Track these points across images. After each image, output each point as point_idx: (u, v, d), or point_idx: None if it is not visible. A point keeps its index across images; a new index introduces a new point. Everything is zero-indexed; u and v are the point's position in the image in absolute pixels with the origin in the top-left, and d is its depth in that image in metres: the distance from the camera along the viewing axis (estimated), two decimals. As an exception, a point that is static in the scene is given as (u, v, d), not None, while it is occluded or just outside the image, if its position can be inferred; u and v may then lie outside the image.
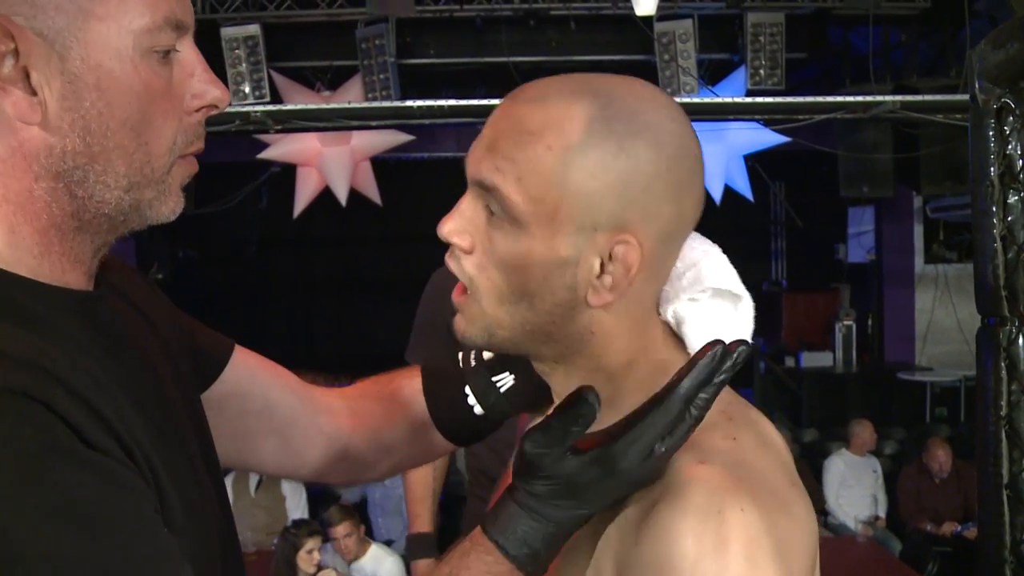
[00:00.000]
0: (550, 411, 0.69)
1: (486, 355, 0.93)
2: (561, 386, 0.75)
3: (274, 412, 0.97)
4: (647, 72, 5.05)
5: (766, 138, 5.54)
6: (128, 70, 0.68)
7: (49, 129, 0.68)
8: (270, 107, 4.79)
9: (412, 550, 2.44)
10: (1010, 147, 1.58)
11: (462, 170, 0.73)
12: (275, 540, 4.12)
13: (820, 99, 4.74)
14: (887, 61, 5.38)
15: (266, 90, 4.98)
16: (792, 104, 4.72)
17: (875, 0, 4.83)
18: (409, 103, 4.64)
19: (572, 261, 0.69)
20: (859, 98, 4.61)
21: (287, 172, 6.14)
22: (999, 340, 1.62)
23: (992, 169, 1.61)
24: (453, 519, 3.89)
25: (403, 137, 5.64)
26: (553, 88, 0.70)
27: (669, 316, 0.75)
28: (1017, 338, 1.59)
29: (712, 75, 5.36)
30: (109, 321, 0.75)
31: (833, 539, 5.03)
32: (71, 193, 0.69)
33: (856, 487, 5.41)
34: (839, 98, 4.72)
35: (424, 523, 2.49)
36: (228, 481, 4.63)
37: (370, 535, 4.52)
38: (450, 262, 0.73)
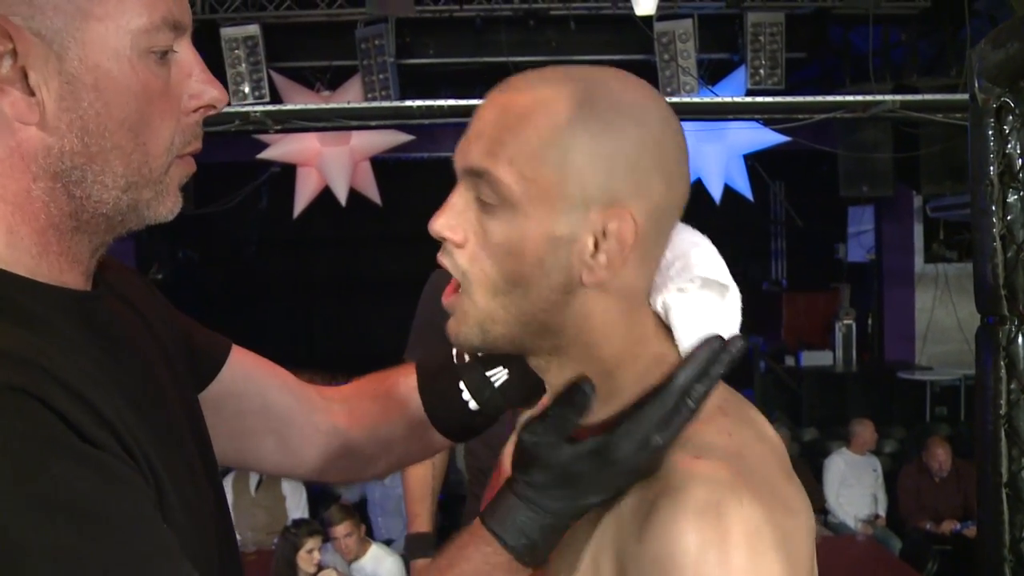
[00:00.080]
0: (546, 402, 0.69)
1: None
2: (557, 381, 0.75)
3: (271, 411, 0.98)
4: (647, 72, 5.05)
5: (766, 138, 5.54)
6: (126, 70, 0.69)
7: (47, 129, 0.68)
8: (270, 107, 4.79)
9: (411, 549, 2.44)
10: (1009, 146, 1.58)
11: None
12: (275, 540, 4.12)
13: (820, 99, 4.74)
14: (887, 60, 5.38)
15: (266, 90, 4.98)
16: (792, 104, 4.72)
17: (875, 0, 4.84)
18: (408, 103, 4.64)
19: (566, 240, 0.69)
20: (859, 97, 4.61)
21: (287, 172, 6.14)
22: (998, 339, 1.62)
23: (991, 168, 1.61)
24: (453, 518, 3.89)
25: (403, 137, 5.64)
26: (537, 77, 0.72)
27: (659, 306, 0.75)
28: (1016, 337, 1.59)
29: (712, 75, 5.36)
30: (106, 321, 0.75)
31: (833, 538, 5.03)
32: (69, 193, 0.70)
33: (856, 486, 5.42)
34: (839, 97, 4.72)
35: (423, 523, 2.49)
36: (228, 480, 4.65)
37: (370, 535, 4.52)
38: (442, 259, 0.73)
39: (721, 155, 5.71)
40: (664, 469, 0.67)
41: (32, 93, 0.67)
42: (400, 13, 4.79)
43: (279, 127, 4.83)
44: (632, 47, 5.19)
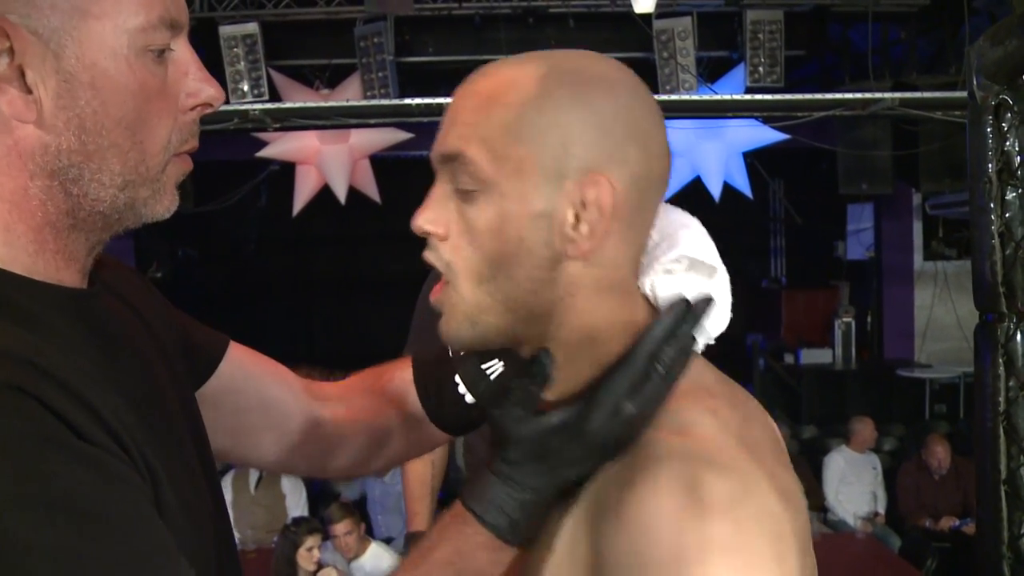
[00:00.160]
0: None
1: None
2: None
3: (269, 407, 0.98)
4: (646, 69, 5.04)
5: (765, 135, 5.54)
6: (123, 69, 0.69)
7: (44, 127, 0.68)
8: (268, 105, 4.79)
9: (411, 548, 2.44)
10: (1008, 144, 1.58)
11: None
12: (275, 538, 4.12)
13: (819, 96, 4.73)
14: (886, 58, 5.38)
15: (265, 88, 4.98)
16: (791, 101, 4.72)
17: (874, -3, 4.84)
18: (408, 101, 4.64)
19: (546, 215, 0.68)
20: (858, 95, 4.61)
21: (286, 170, 6.14)
22: (997, 336, 1.62)
23: (990, 166, 1.61)
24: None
25: (402, 135, 5.64)
26: (504, 62, 0.72)
27: (646, 288, 0.73)
28: (1015, 334, 1.59)
29: (711, 72, 5.36)
30: (103, 319, 0.75)
31: (833, 535, 5.04)
32: (66, 191, 0.70)
33: (856, 484, 5.42)
34: (838, 95, 4.72)
35: (423, 521, 2.49)
36: (228, 479, 4.65)
37: (370, 533, 4.53)
38: (428, 255, 0.72)
39: (720, 153, 5.71)
40: (643, 445, 0.66)
41: (29, 91, 0.68)
42: (399, 11, 4.79)
43: (278, 125, 4.83)
44: (631, 45, 5.19)
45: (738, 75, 5.18)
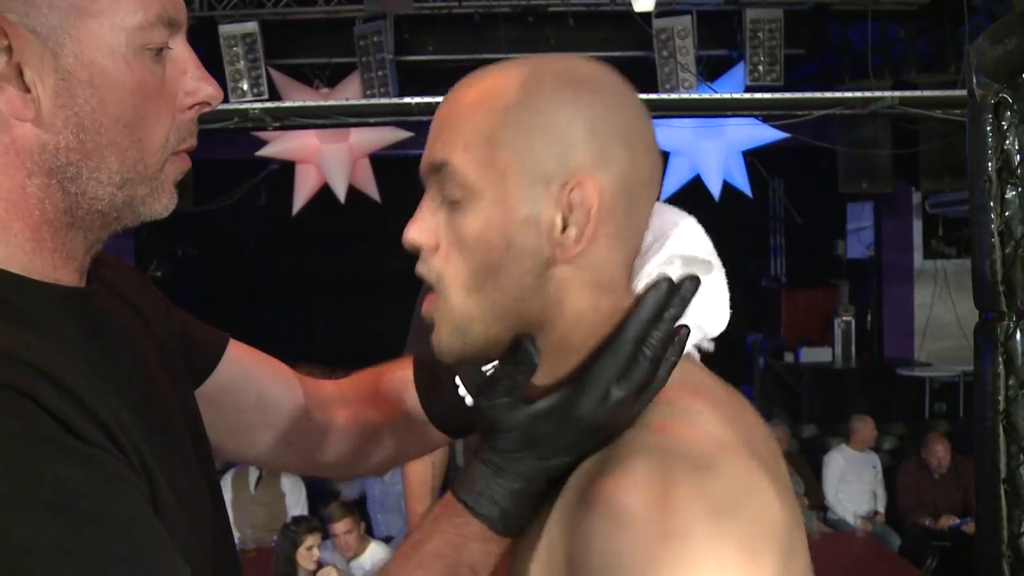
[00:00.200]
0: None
1: None
2: (542, 374, 0.71)
3: (269, 406, 0.98)
4: (646, 68, 5.05)
5: (765, 134, 5.54)
6: (121, 67, 0.69)
7: (42, 126, 0.68)
8: (268, 104, 4.79)
9: (404, 541, 2.44)
10: (1008, 142, 1.58)
11: None
12: (275, 537, 4.12)
13: (819, 95, 4.74)
14: (886, 57, 5.38)
15: (264, 87, 4.98)
16: (791, 100, 4.72)
17: (874, -4, 4.84)
18: (407, 100, 4.64)
19: (532, 219, 0.67)
20: (858, 94, 4.61)
21: (286, 169, 6.14)
22: (997, 335, 1.62)
23: (990, 164, 1.61)
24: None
25: (401, 134, 5.64)
26: (486, 70, 0.72)
27: (641, 290, 0.71)
28: (1015, 333, 1.59)
29: (711, 71, 5.36)
30: (101, 318, 0.75)
31: (832, 534, 5.04)
32: (64, 190, 0.70)
33: (856, 483, 5.42)
34: (838, 94, 4.72)
35: (424, 521, 2.49)
36: (228, 478, 4.65)
37: (370, 531, 4.53)
38: (420, 268, 0.72)
39: (720, 151, 5.71)
40: (623, 440, 0.65)
41: (28, 90, 0.68)
42: (399, 10, 4.79)
43: (278, 124, 4.83)
44: (631, 43, 5.19)
45: (738, 74, 5.18)
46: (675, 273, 0.71)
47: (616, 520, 0.59)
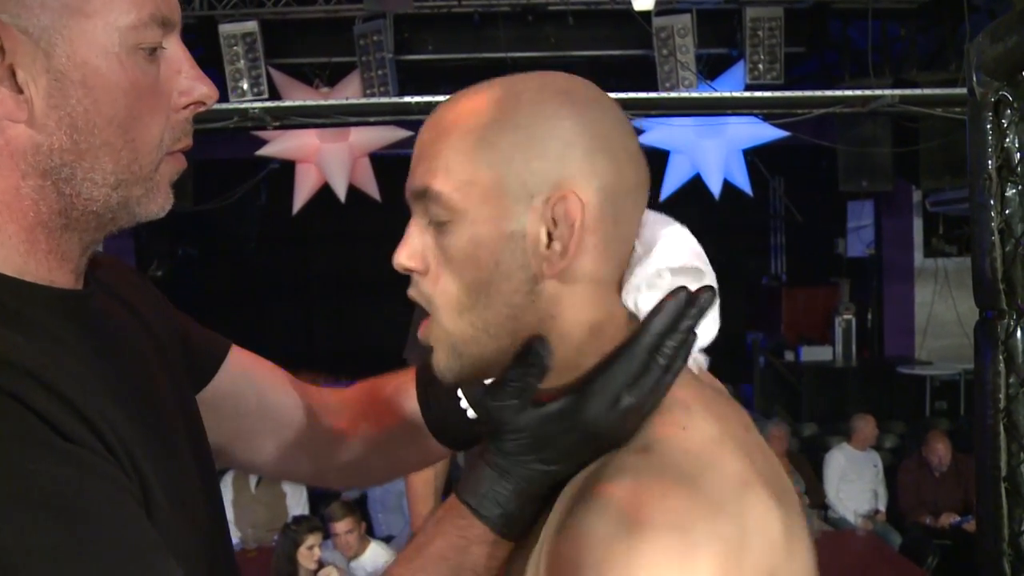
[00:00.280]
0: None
1: None
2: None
3: (269, 413, 0.97)
4: (646, 67, 5.05)
5: (765, 133, 5.53)
6: (114, 67, 0.68)
7: (36, 127, 0.68)
8: (268, 104, 4.79)
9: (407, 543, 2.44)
10: (1008, 140, 1.58)
11: None
12: (276, 536, 4.12)
13: (819, 93, 4.74)
14: (886, 55, 5.37)
15: (264, 87, 4.98)
16: (791, 98, 4.72)
17: (874, -6, 4.83)
18: (407, 99, 4.64)
19: (518, 235, 0.67)
20: (858, 92, 4.61)
21: (286, 169, 6.14)
22: (997, 333, 1.62)
23: (990, 162, 1.60)
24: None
25: (401, 133, 5.64)
26: (462, 92, 0.72)
27: (631, 306, 0.72)
28: (1015, 331, 1.59)
29: (711, 70, 5.36)
30: (97, 319, 0.75)
31: (833, 533, 5.04)
32: (58, 191, 0.69)
33: (857, 481, 5.42)
34: (838, 92, 4.72)
35: (426, 522, 2.49)
36: (229, 478, 4.65)
37: (371, 531, 4.53)
38: (411, 293, 0.72)
39: (720, 150, 5.71)
40: (608, 459, 0.65)
41: (20, 91, 0.67)
42: (398, 9, 4.79)
43: (278, 123, 4.83)
44: (630, 42, 5.19)
45: (738, 72, 5.18)
46: (664, 286, 0.71)
47: (578, 544, 0.60)
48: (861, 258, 7.67)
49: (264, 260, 8.37)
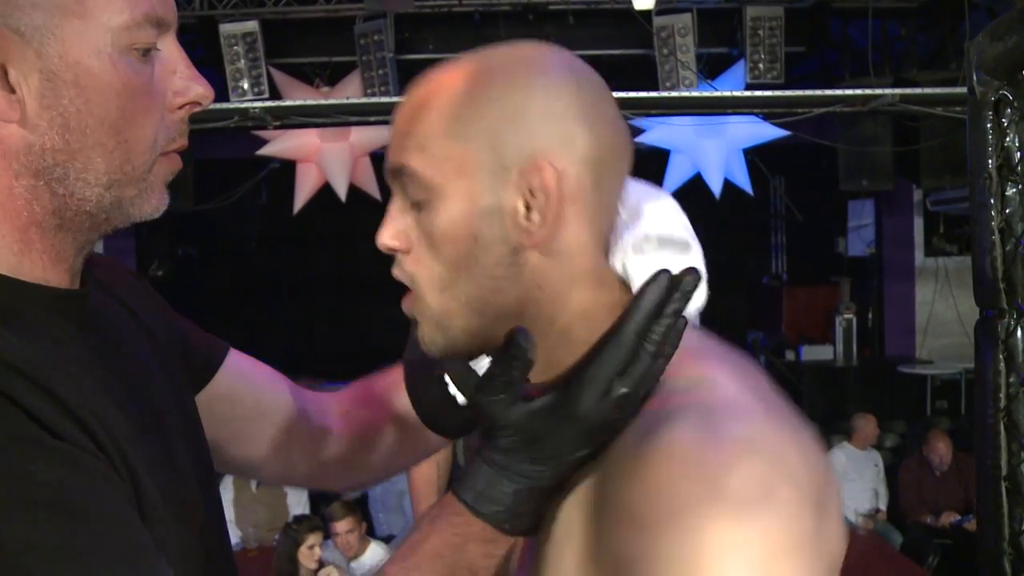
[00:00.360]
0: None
1: None
2: (541, 364, 0.70)
3: (266, 416, 0.97)
4: (646, 66, 5.05)
5: (765, 132, 5.53)
6: (107, 67, 0.68)
7: (28, 127, 0.68)
8: (269, 103, 4.78)
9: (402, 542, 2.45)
10: (1008, 139, 1.58)
11: None
12: (276, 536, 4.12)
13: (819, 92, 4.73)
14: (887, 54, 5.37)
15: (265, 86, 4.98)
16: (791, 98, 4.71)
17: (874, -7, 4.83)
18: (408, 98, 4.63)
19: (494, 208, 0.67)
20: (858, 91, 4.61)
21: (287, 168, 6.14)
22: (997, 332, 1.62)
23: (990, 161, 1.61)
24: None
25: (402, 133, 5.63)
26: (433, 70, 0.72)
27: (618, 268, 0.71)
28: (1015, 330, 1.59)
29: (711, 69, 5.35)
30: (93, 319, 0.75)
31: (834, 532, 5.03)
32: (51, 191, 0.69)
33: (857, 480, 5.42)
34: (838, 91, 4.72)
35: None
36: (229, 477, 4.65)
37: (371, 530, 4.53)
38: (395, 271, 0.72)
39: (721, 149, 5.70)
40: (649, 414, 0.64)
41: (12, 90, 0.67)
42: (399, 8, 4.79)
43: (278, 123, 4.83)
44: (631, 42, 5.19)
45: (738, 72, 5.18)
46: (651, 252, 0.70)
47: (665, 478, 0.58)
48: (862, 257, 7.66)
49: (265, 260, 8.36)
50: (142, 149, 0.71)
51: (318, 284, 8.67)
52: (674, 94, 4.79)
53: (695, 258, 0.73)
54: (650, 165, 5.92)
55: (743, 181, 5.97)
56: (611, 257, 0.71)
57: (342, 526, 3.92)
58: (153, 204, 0.74)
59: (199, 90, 0.74)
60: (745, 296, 8.35)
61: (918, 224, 7.35)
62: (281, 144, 5.74)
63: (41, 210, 0.70)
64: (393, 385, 0.98)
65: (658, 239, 0.71)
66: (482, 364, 0.86)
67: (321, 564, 3.82)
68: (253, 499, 4.77)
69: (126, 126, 0.70)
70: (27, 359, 0.63)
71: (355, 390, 1.02)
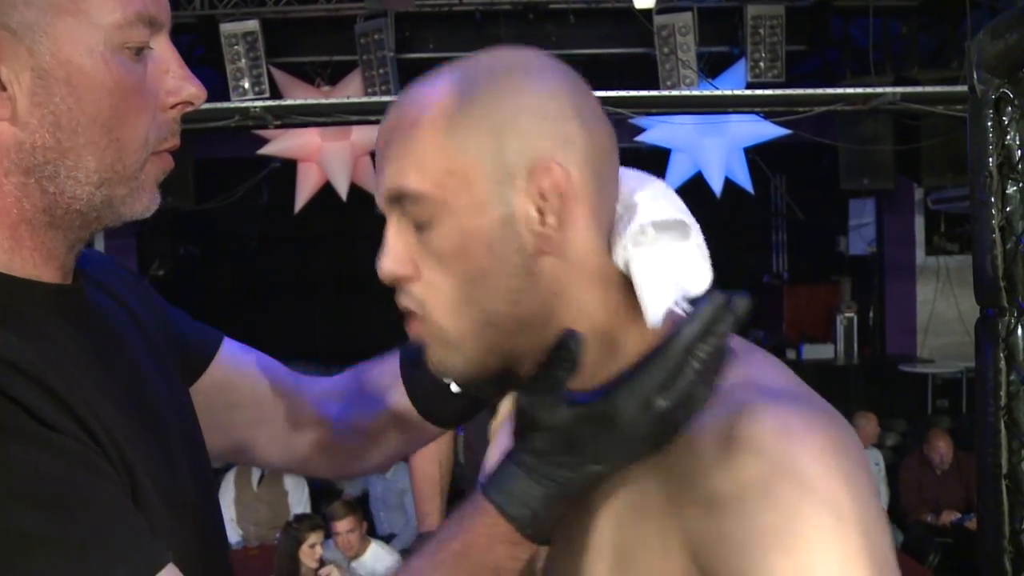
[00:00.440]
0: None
1: None
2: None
3: (262, 404, 0.97)
4: (647, 65, 5.04)
5: (766, 131, 5.53)
6: (99, 66, 0.68)
7: (19, 124, 0.68)
8: (270, 103, 4.78)
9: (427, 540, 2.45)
10: (1008, 137, 1.58)
11: None
12: (277, 534, 4.13)
13: (820, 91, 4.72)
14: (888, 53, 5.37)
15: (265, 86, 4.97)
16: (792, 96, 4.71)
17: (875, -9, 4.83)
18: (409, 97, 4.63)
19: (507, 218, 0.66)
20: (859, 90, 4.60)
21: (288, 168, 6.14)
22: (998, 331, 1.62)
23: (990, 160, 1.61)
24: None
25: (403, 132, 5.63)
26: (414, 87, 0.70)
27: (620, 264, 0.70)
28: (1016, 328, 1.59)
29: (712, 68, 5.35)
30: (86, 314, 0.75)
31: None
32: (42, 188, 0.69)
33: (858, 479, 5.42)
34: (839, 90, 4.71)
35: (434, 521, 2.49)
36: (231, 476, 4.66)
37: (372, 529, 4.53)
38: (402, 301, 0.70)
39: (721, 148, 5.70)
40: (719, 417, 0.64)
41: (3, 88, 0.67)
42: (399, 8, 4.79)
43: (279, 123, 4.83)
44: (632, 40, 5.18)
45: (739, 70, 5.17)
46: (650, 243, 0.70)
47: (768, 468, 0.59)
48: (863, 256, 7.66)
49: (266, 259, 8.37)
50: (134, 148, 0.71)
51: (319, 283, 8.68)
52: (675, 93, 4.78)
53: (695, 241, 0.72)
54: (651, 164, 5.88)
55: (744, 180, 5.97)
56: (613, 255, 0.71)
57: (343, 525, 3.92)
58: (144, 203, 0.74)
59: (192, 90, 0.74)
60: (746, 295, 8.35)
61: (919, 223, 7.35)
62: (282, 143, 5.74)
63: (31, 208, 0.70)
64: (389, 373, 0.98)
65: (655, 225, 0.70)
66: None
67: (322, 563, 3.82)
68: (254, 498, 4.78)
69: (118, 125, 0.70)
70: (25, 356, 0.63)
71: (351, 377, 1.02)
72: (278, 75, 5.16)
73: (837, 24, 5.52)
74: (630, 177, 0.74)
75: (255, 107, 4.62)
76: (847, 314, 7.31)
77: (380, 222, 0.73)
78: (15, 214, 0.70)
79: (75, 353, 0.69)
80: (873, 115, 5.11)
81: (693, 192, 5.52)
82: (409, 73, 5.26)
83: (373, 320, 7.59)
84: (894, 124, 5.36)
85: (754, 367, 0.68)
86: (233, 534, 4.72)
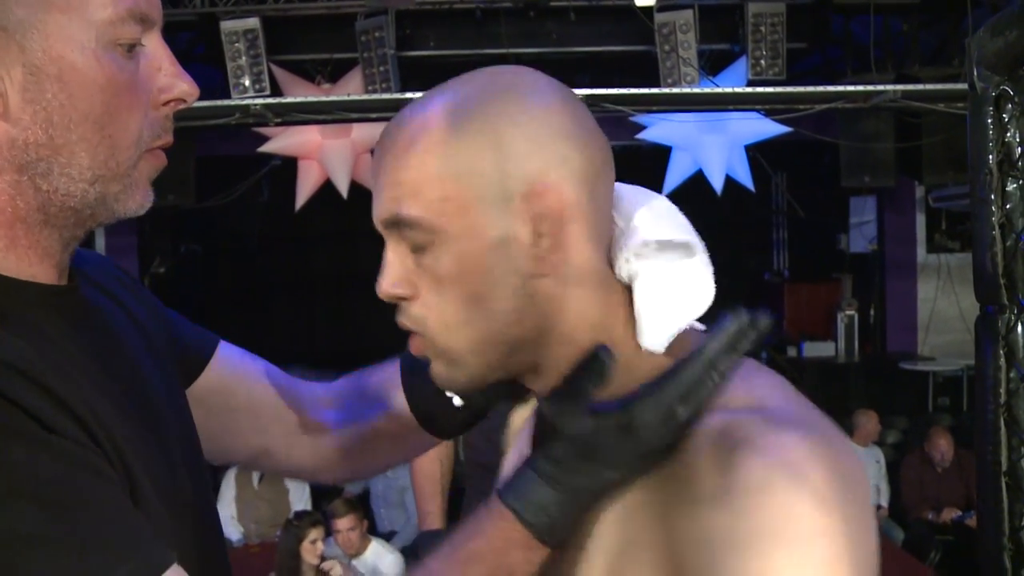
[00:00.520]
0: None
1: None
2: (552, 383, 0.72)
3: (259, 408, 0.97)
4: (647, 63, 5.04)
5: (767, 128, 5.52)
6: (91, 63, 0.68)
7: (10, 121, 0.68)
8: (270, 100, 4.78)
9: (424, 548, 2.45)
10: (1008, 135, 1.58)
11: None
12: (279, 532, 4.13)
13: (821, 89, 4.72)
14: (889, 50, 5.36)
15: (266, 83, 4.97)
16: (793, 94, 4.70)
17: (876, -11, 4.82)
18: (409, 95, 4.63)
19: (503, 240, 0.66)
20: (860, 87, 4.60)
21: (288, 165, 6.14)
22: (998, 328, 1.62)
23: (991, 157, 1.61)
24: (454, 510, 3.91)
25: (404, 129, 5.62)
26: (406, 110, 0.71)
27: (624, 277, 0.71)
28: (1015, 326, 1.59)
29: (713, 65, 5.35)
30: (82, 314, 0.75)
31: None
32: (35, 186, 0.69)
33: (859, 477, 5.42)
34: (840, 88, 4.71)
35: (435, 520, 2.49)
36: (231, 474, 4.66)
37: (373, 527, 4.54)
38: (401, 320, 0.71)
39: (722, 146, 5.70)
40: (715, 430, 0.64)
41: None
42: (400, 5, 4.79)
43: (280, 120, 4.83)
44: (632, 38, 5.18)
45: (740, 68, 5.17)
46: (651, 258, 0.70)
47: (756, 500, 0.59)
48: (863, 254, 7.66)
49: (266, 257, 8.37)
50: (126, 145, 0.71)
51: (319, 281, 8.68)
52: (676, 91, 4.78)
53: (701, 259, 0.73)
54: (651, 162, 5.92)
55: (745, 178, 5.97)
56: (616, 269, 0.71)
57: (343, 523, 3.92)
58: (138, 200, 0.74)
59: (184, 87, 0.74)
60: (747, 292, 8.35)
61: (920, 221, 7.34)
62: (282, 141, 5.74)
63: (25, 206, 0.70)
64: (389, 380, 0.98)
65: (657, 243, 0.70)
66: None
67: (323, 559, 3.82)
68: (255, 495, 4.78)
69: (110, 122, 0.70)
70: (24, 358, 0.63)
71: (351, 382, 1.02)
72: (279, 72, 5.16)
73: (838, 22, 5.52)
74: (632, 193, 0.74)
75: (256, 105, 4.62)
76: (848, 312, 7.32)
77: (381, 222, 0.73)
78: (9, 212, 0.69)
79: (73, 353, 0.69)
80: (874, 113, 5.11)
81: (694, 190, 5.52)
82: (410, 71, 5.26)
83: (373, 317, 7.60)
84: (895, 122, 5.36)
85: (755, 387, 0.69)
86: (234, 532, 4.72)
